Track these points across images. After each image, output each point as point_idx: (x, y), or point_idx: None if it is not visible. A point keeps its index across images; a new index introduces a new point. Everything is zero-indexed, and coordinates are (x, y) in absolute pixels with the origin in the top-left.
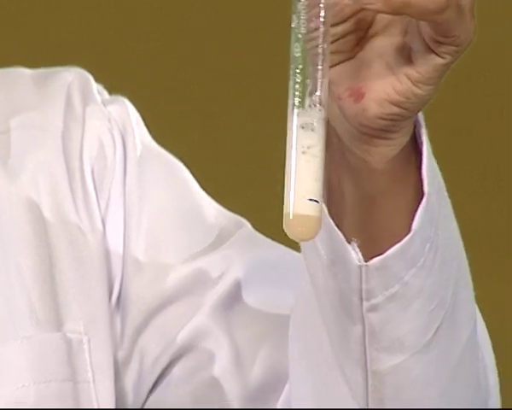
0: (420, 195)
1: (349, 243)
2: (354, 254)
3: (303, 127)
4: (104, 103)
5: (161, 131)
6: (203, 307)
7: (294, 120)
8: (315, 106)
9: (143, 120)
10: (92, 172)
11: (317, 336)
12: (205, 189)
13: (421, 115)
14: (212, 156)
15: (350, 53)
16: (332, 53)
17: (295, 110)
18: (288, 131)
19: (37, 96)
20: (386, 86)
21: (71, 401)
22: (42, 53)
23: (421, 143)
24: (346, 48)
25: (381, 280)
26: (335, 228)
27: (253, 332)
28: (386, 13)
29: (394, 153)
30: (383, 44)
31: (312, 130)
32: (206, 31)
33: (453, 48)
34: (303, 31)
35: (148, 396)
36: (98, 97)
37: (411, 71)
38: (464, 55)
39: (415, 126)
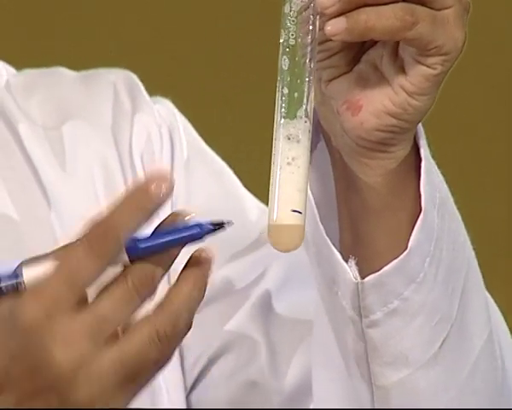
0: (420, 209)
1: (347, 260)
2: (351, 271)
3: (289, 138)
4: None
5: None
6: (242, 308)
7: (280, 132)
8: (301, 118)
9: None
10: (142, 164)
11: (331, 348)
12: None
13: (421, 128)
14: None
15: (346, 67)
16: (328, 68)
17: (281, 122)
18: (274, 142)
19: (84, 93)
20: (383, 98)
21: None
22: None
23: (421, 158)
24: (342, 62)
25: (378, 296)
26: (332, 247)
27: (290, 335)
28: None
29: (393, 166)
30: (378, 56)
31: (298, 141)
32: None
33: (441, 57)
34: (291, 44)
35: (188, 395)
36: (146, 95)
37: (405, 82)
38: (464, 53)
39: (415, 139)
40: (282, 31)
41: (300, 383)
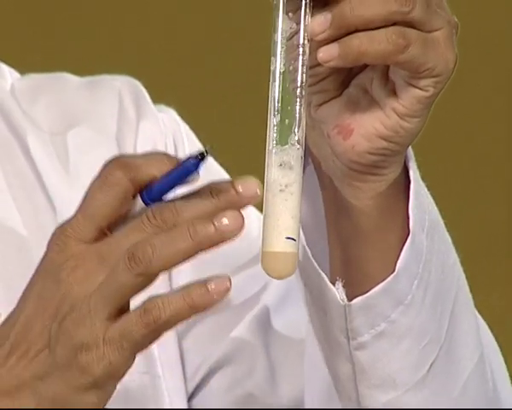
0: (408, 232)
1: (335, 281)
2: (338, 294)
3: (281, 165)
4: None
5: None
6: (243, 321)
7: (273, 159)
8: (293, 145)
9: None
10: None
11: (321, 369)
12: None
13: (410, 150)
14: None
15: (336, 91)
16: (318, 92)
17: (273, 149)
18: (266, 170)
19: (89, 100)
20: (374, 121)
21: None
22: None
23: (410, 180)
24: (332, 86)
25: (366, 319)
26: (319, 270)
27: (288, 351)
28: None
29: (383, 188)
30: (368, 80)
31: (290, 168)
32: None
33: (432, 79)
34: (281, 71)
35: (188, 402)
36: (151, 104)
37: (397, 105)
38: (464, 52)
39: (405, 161)
40: (273, 58)
41: (296, 399)
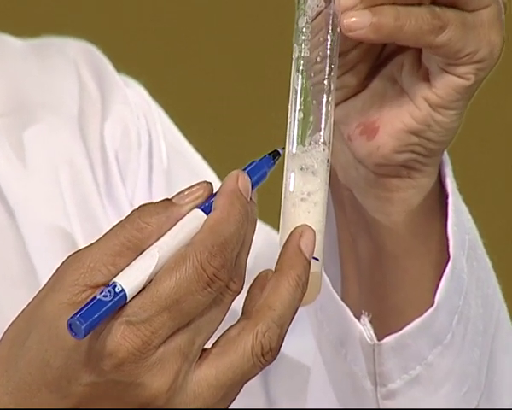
0: (446, 256)
1: (359, 316)
2: (365, 331)
3: (302, 169)
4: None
5: None
6: None
7: (293, 162)
8: (317, 146)
9: None
10: (117, 161)
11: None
12: None
13: (446, 155)
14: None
15: (359, 86)
16: (338, 89)
17: (294, 150)
18: (285, 174)
19: (38, 70)
20: (402, 115)
21: None
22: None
23: (447, 192)
24: (355, 80)
25: (398, 361)
26: (340, 302)
27: (288, 385)
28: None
29: (417, 200)
30: (397, 67)
31: (313, 173)
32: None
33: (474, 66)
34: (305, 57)
35: None
36: (116, 76)
37: (430, 93)
38: None
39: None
40: (296, 46)
41: None
